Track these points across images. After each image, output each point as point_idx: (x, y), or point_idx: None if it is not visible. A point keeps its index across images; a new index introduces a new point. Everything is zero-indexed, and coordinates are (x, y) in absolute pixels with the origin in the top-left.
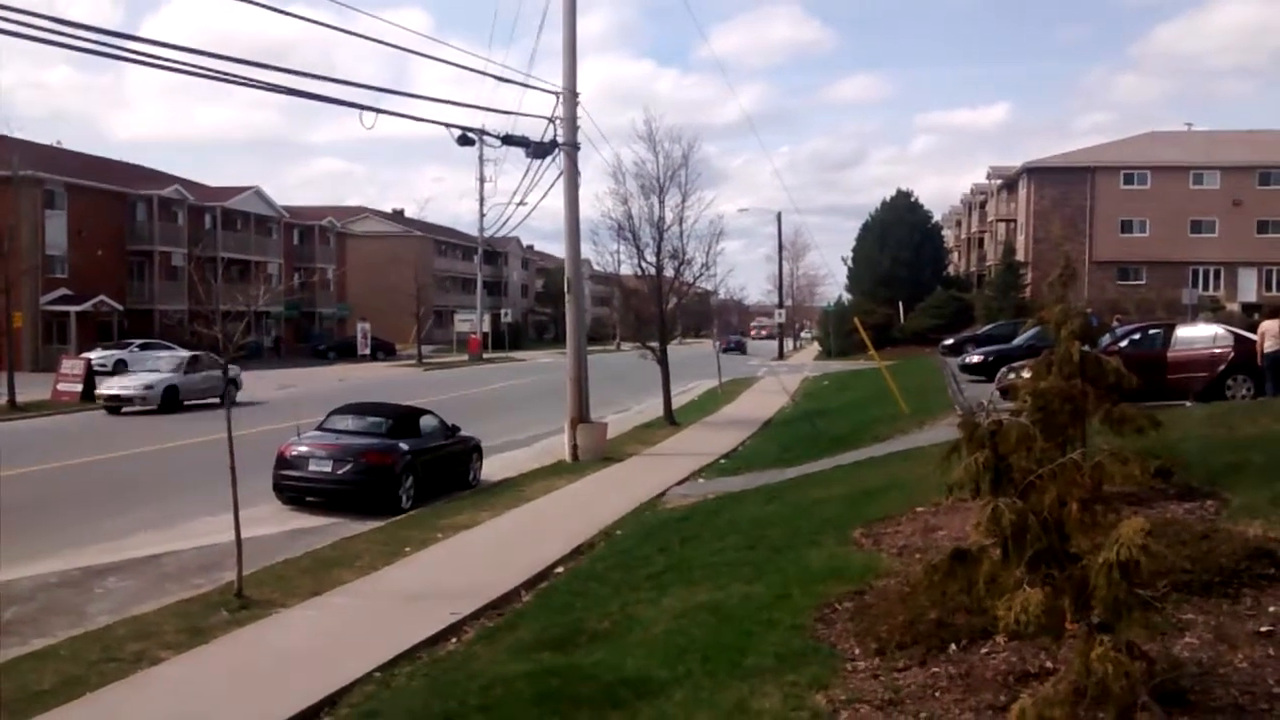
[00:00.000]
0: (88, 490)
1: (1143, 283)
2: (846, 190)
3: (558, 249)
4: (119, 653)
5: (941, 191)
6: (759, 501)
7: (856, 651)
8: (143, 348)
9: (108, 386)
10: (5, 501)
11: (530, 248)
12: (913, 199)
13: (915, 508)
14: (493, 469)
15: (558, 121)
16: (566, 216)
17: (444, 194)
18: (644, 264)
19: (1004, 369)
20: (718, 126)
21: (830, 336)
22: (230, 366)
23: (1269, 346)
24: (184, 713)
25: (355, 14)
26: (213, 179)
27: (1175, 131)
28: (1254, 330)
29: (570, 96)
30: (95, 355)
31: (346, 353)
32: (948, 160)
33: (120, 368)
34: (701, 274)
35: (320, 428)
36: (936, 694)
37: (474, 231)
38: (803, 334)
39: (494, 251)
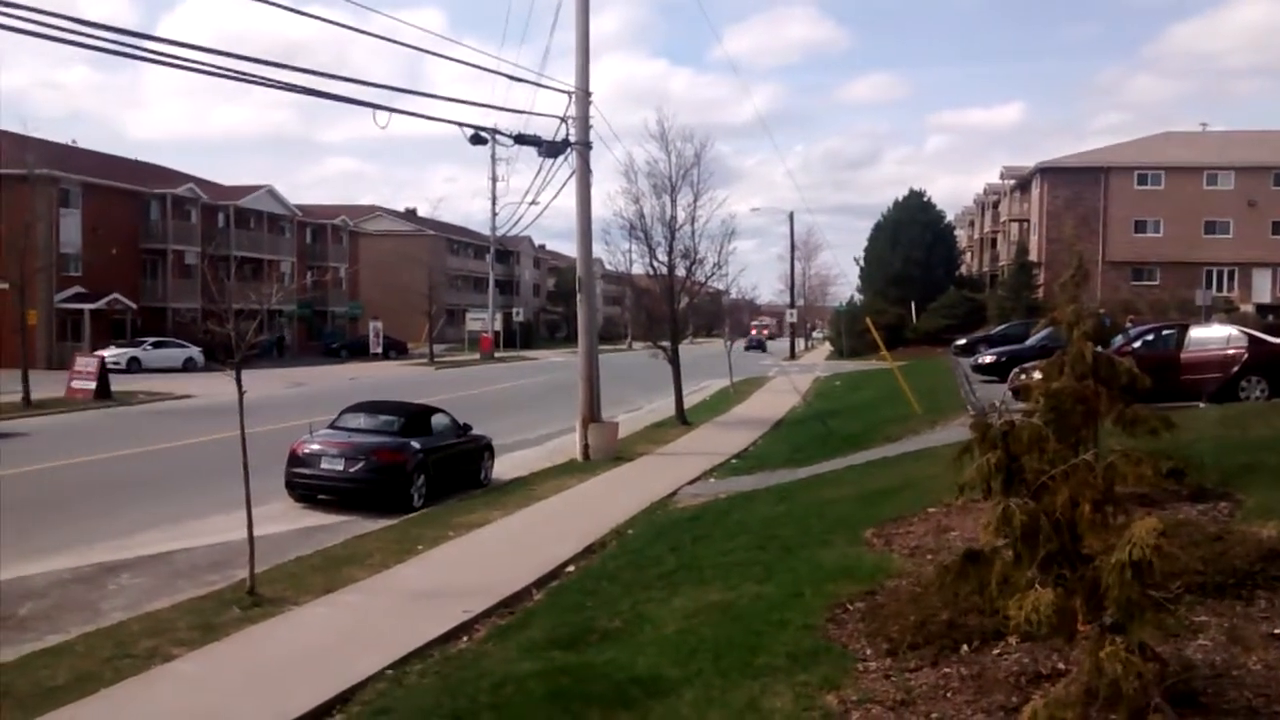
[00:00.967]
0: (101, 487)
1: (1156, 283)
2: (860, 190)
3: (569, 248)
4: (132, 649)
5: (954, 191)
6: (770, 501)
7: (868, 652)
8: (156, 346)
9: None
10: (20, 498)
11: (542, 247)
12: (925, 199)
13: (927, 508)
14: (504, 468)
15: (570, 121)
16: (578, 216)
17: (456, 193)
18: (656, 263)
19: (1016, 369)
20: (732, 126)
21: (842, 336)
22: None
23: None
24: (197, 709)
25: (370, 13)
26: (226, 178)
27: (1190, 132)
28: (1270, 331)
29: (583, 96)
30: (109, 353)
31: (358, 351)
32: (961, 160)
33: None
34: (713, 273)
35: (332, 426)
36: (948, 695)
37: (486, 230)
38: (814, 334)
39: (506, 250)
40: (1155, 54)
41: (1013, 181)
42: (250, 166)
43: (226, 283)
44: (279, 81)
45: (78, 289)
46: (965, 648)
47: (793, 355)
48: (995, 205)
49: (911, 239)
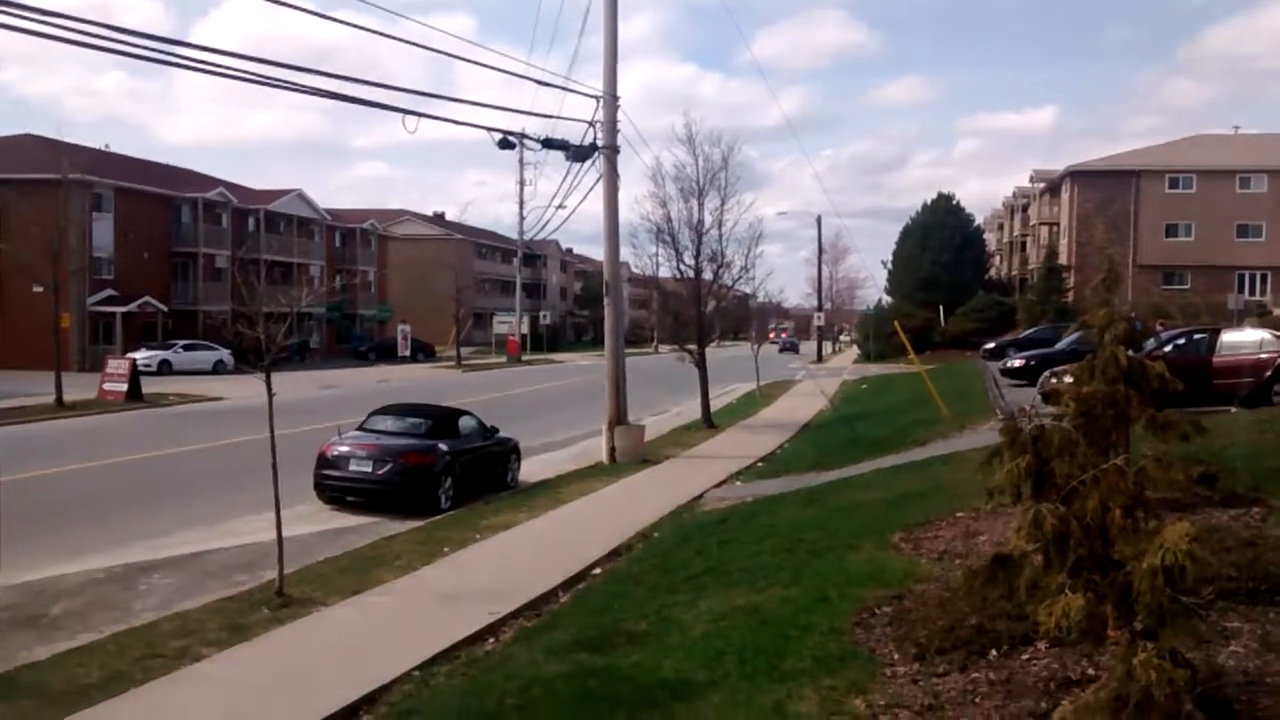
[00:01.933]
0: (132, 488)
1: (1187, 287)
2: (888, 193)
3: (596, 252)
4: (163, 649)
5: (984, 195)
6: (797, 505)
7: (895, 656)
8: (186, 348)
9: None
10: (53, 498)
11: (569, 250)
12: (954, 202)
13: (955, 513)
14: (531, 470)
15: (598, 125)
16: (606, 219)
17: (484, 197)
18: (683, 267)
19: (1046, 373)
20: (761, 129)
21: (869, 340)
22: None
23: None
24: (226, 709)
25: (400, 18)
26: (257, 182)
27: (1222, 134)
28: None
29: (610, 100)
30: (140, 355)
31: (387, 354)
32: (991, 164)
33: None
34: (740, 277)
35: (361, 428)
36: (976, 700)
37: (514, 234)
38: (841, 337)
39: (533, 254)
40: (1191, 57)
41: (1042, 185)
42: (280, 171)
43: (257, 286)
44: (309, 87)
45: (110, 292)
46: (994, 653)
47: (820, 359)
48: (1025, 209)
49: (940, 242)
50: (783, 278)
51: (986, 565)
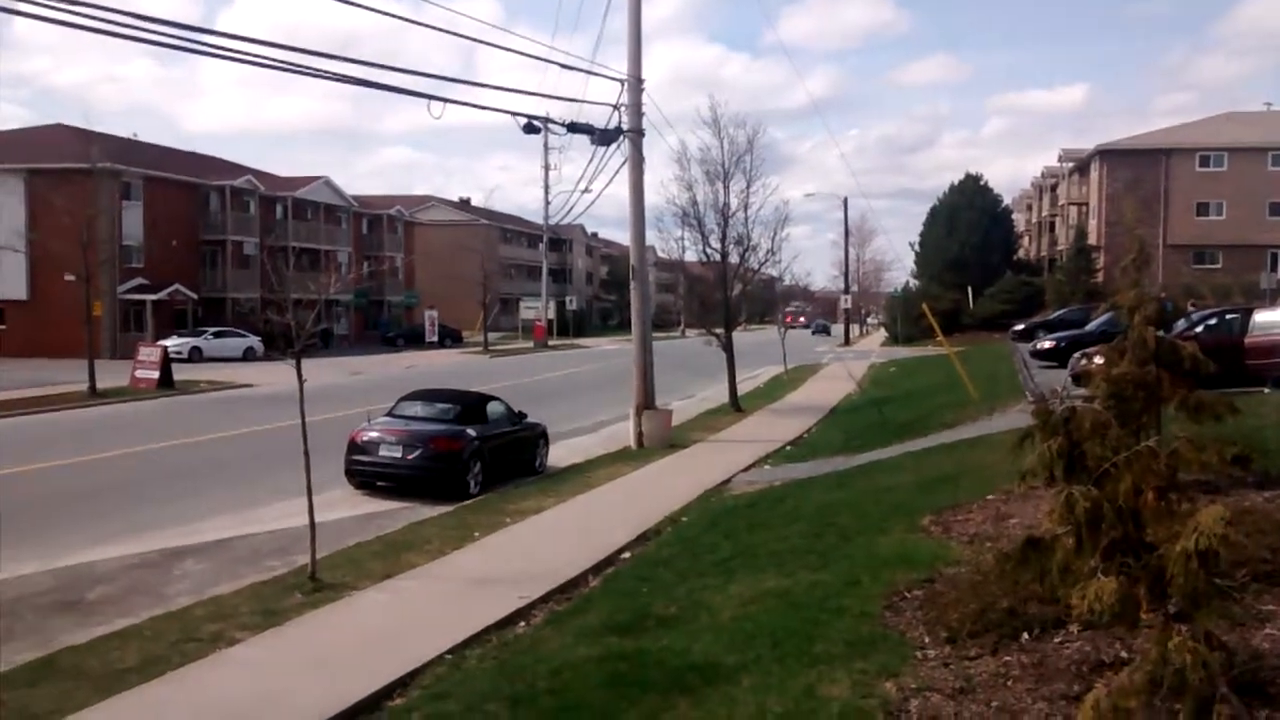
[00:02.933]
0: (165, 474)
1: (1219, 266)
2: (916, 174)
3: (622, 236)
4: (198, 633)
5: (1012, 175)
6: (826, 488)
7: (926, 640)
8: (216, 335)
9: None
10: (89, 485)
11: (595, 235)
12: (982, 182)
13: (986, 495)
14: (559, 455)
15: (622, 108)
16: (631, 203)
17: (510, 182)
18: (709, 250)
19: (1077, 355)
20: (788, 110)
21: (897, 322)
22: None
23: None
24: (260, 692)
25: (425, 3)
26: (283, 169)
27: (1253, 112)
28: None
29: (635, 83)
30: (171, 343)
31: (414, 340)
32: (1020, 143)
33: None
34: (767, 260)
35: (390, 414)
36: (1008, 683)
37: (539, 219)
38: (869, 319)
39: (559, 239)
40: (1223, 32)
41: (1071, 164)
42: (306, 158)
43: (285, 273)
44: (334, 73)
45: (140, 280)
46: (1026, 636)
47: (847, 341)
48: (1053, 188)
49: (968, 223)
50: (809, 260)
51: (1018, 548)
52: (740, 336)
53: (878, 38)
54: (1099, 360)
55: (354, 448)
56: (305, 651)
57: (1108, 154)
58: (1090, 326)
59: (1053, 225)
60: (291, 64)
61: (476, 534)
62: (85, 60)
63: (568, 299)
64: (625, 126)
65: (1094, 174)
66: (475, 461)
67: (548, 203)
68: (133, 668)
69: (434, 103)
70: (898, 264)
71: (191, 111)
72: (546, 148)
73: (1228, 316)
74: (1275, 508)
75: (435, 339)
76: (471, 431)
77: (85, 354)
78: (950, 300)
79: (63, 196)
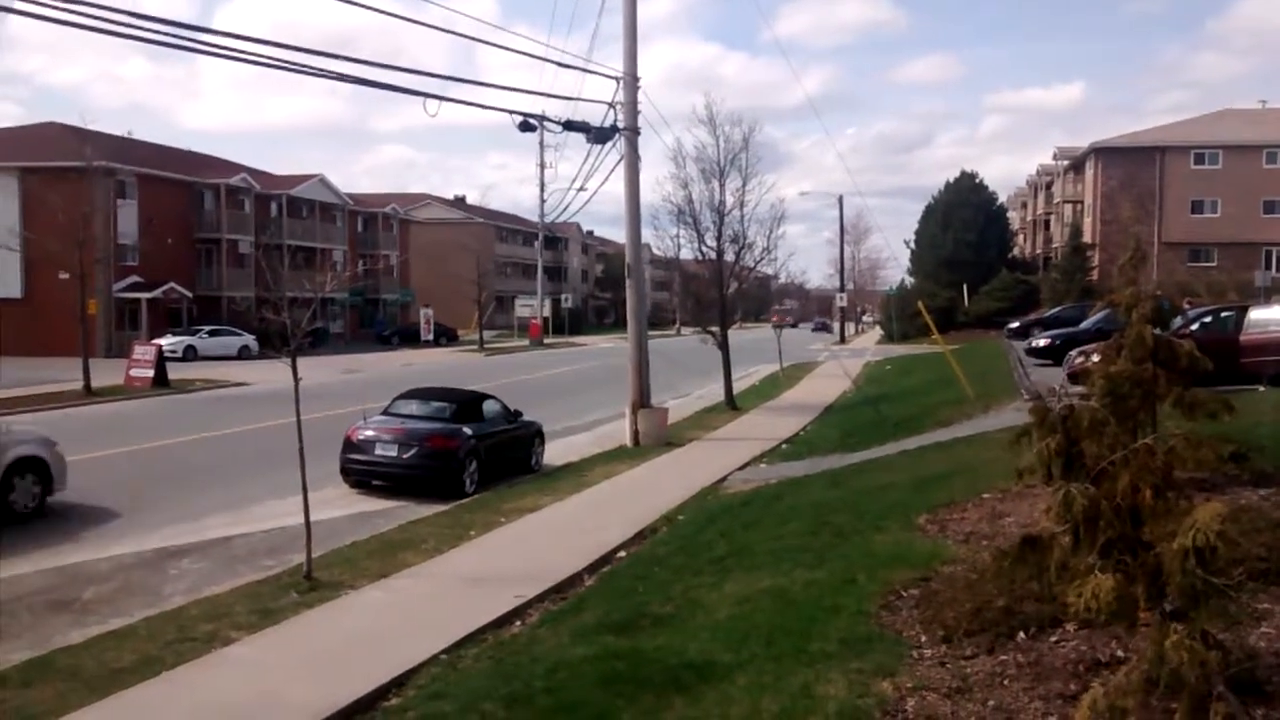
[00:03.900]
0: (159, 473)
1: (1214, 264)
2: (912, 172)
3: (618, 234)
4: (193, 632)
5: (1008, 173)
6: (821, 487)
7: (923, 639)
8: (211, 334)
9: None
10: (82, 484)
11: (590, 233)
12: (977, 180)
13: (981, 494)
14: (554, 454)
15: (618, 106)
16: (627, 201)
17: (505, 180)
18: (704, 248)
19: (1072, 352)
20: (786, 108)
21: (893, 320)
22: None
23: None
24: (255, 692)
25: (423, 2)
26: (279, 167)
27: (1248, 109)
28: None
29: (631, 81)
30: (166, 341)
31: (410, 338)
32: (1017, 141)
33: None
34: (762, 258)
35: (386, 412)
36: (1005, 682)
37: (535, 217)
38: (864, 318)
39: (554, 237)
40: (1220, 30)
41: (1066, 162)
42: (302, 156)
43: (280, 271)
44: (331, 72)
45: (135, 278)
46: (1022, 635)
47: (842, 339)
48: (1048, 186)
49: (963, 221)
50: (805, 259)
51: (1015, 546)
52: (736, 334)
53: (875, 35)
54: (1095, 358)
55: (350, 446)
56: (301, 651)
57: (1103, 152)
58: (1085, 324)
59: (1048, 223)
60: (288, 62)
61: (472, 533)
62: (82, 58)
63: (563, 297)
64: (621, 125)
65: (1089, 172)
66: (471, 460)
67: (543, 201)
68: (128, 668)
69: (430, 101)
70: (893, 262)
71: (188, 110)
72: (542, 146)
73: (1223, 314)
74: (1271, 505)
75: (430, 337)
76: (467, 430)
77: (80, 352)
78: (945, 298)
79: (57, 195)
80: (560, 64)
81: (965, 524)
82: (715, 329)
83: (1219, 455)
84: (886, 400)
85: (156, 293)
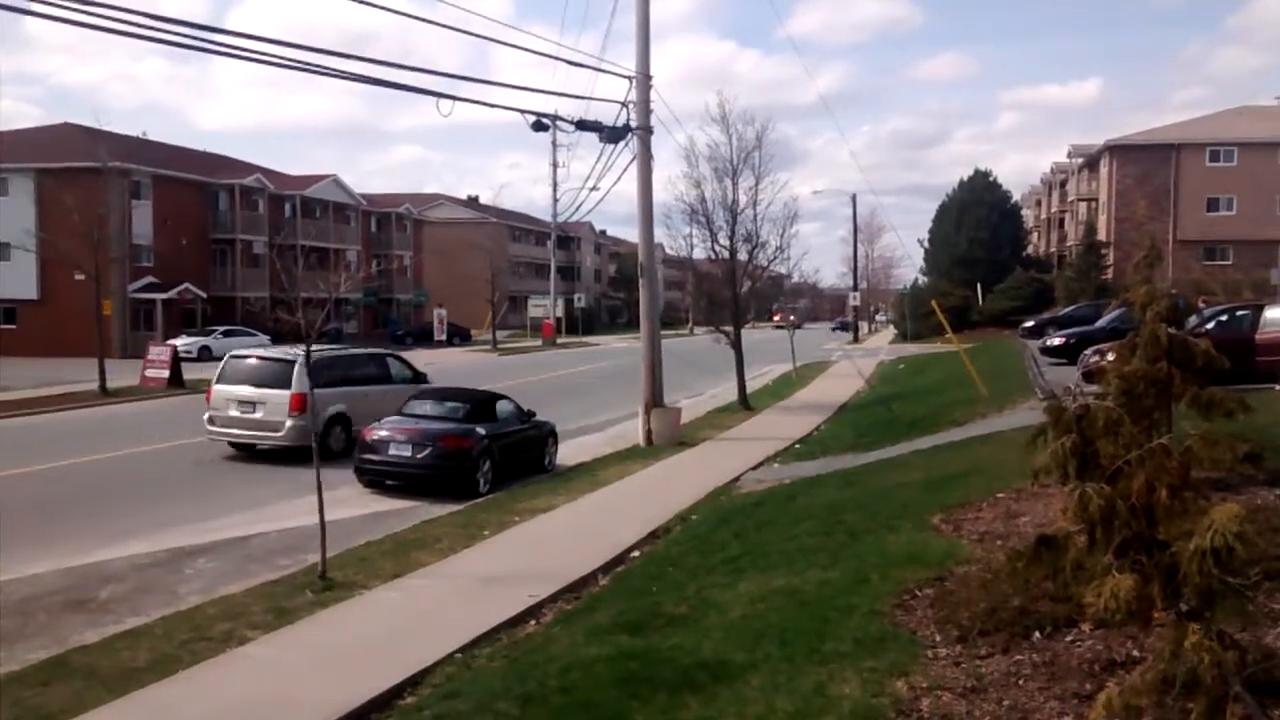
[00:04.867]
0: (175, 473)
1: (1229, 262)
2: (927, 170)
3: (630, 234)
4: (209, 632)
5: (1022, 171)
6: (835, 486)
7: (937, 638)
8: (226, 334)
9: None
10: (99, 484)
11: (603, 233)
12: (991, 178)
13: (996, 493)
14: (568, 453)
15: (631, 105)
16: (639, 201)
17: (518, 180)
18: (717, 248)
19: (1087, 351)
20: (800, 106)
21: (906, 319)
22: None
23: None
24: (271, 691)
25: (437, 1)
26: (293, 167)
27: (1264, 106)
28: None
29: (643, 80)
30: (180, 342)
31: (423, 338)
32: (1033, 139)
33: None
34: (775, 257)
35: (400, 413)
36: (1020, 682)
37: (547, 216)
38: (878, 317)
39: (567, 237)
40: (1240, 25)
41: (1081, 160)
42: (316, 156)
43: (294, 271)
44: (345, 72)
45: (150, 279)
46: (1037, 634)
47: (856, 339)
48: (1063, 184)
49: (977, 219)
50: (819, 257)
51: (1031, 546)
52: (749, 334)
53: (890, 32)
54: (1111, 357)
55: (364, 446)
56: (316, 650)
57: (1117, 149)
58: (1100, 323)
59: (1062, 221)
60: (303, 63)
61: (486, 532)
62: (97, 59)
63: (576, 297)
64: (634, 124)
65: (1104, 169)
66: (485, 460)
67: (556, 200)
68: (144, 667)
69: (443, 101)
70: (907, 261)
71: (202, 110)
72: (555, 145)
73: (1238, 313)
74: None
75: (444, 337)
76: (481, 430)
77: (95, 353)
78: (959, 297)
79: (73, 196)
80: (573, 63)
81: (980, 524)
82: (728, 328)
83: (1235, 455)
84: (900, 400)
85: (171, 293)
